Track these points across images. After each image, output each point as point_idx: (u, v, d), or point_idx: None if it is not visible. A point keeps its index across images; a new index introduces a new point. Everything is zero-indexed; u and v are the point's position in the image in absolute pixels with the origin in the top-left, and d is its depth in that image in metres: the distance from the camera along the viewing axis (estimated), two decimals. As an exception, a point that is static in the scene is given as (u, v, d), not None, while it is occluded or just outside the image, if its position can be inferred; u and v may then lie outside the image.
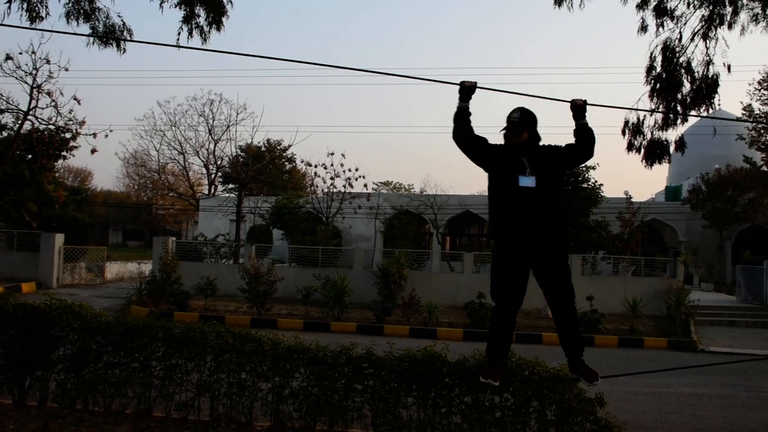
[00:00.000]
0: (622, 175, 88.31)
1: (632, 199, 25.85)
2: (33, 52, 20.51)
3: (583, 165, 22.43)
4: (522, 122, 4.15)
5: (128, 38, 7.51)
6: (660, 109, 8.25)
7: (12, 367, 6.14)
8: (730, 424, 7.58)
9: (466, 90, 4.26)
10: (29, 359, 6.10)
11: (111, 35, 7.49)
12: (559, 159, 4.28)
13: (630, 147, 8.54)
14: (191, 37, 7.68)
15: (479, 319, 14.65)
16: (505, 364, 4.73)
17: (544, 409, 5.77)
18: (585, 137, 4.32)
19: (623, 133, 8.55)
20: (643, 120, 8.46)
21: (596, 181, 22.80)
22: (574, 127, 4.36)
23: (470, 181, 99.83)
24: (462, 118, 4.26)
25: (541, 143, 4.30)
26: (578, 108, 4.34)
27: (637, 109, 7.99)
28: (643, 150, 8.46)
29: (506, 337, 4.35)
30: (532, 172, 4.08)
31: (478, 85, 4.31)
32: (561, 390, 5.69)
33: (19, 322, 6.07)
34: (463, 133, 4.26)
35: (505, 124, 4.23)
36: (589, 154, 4.38)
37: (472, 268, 20.54)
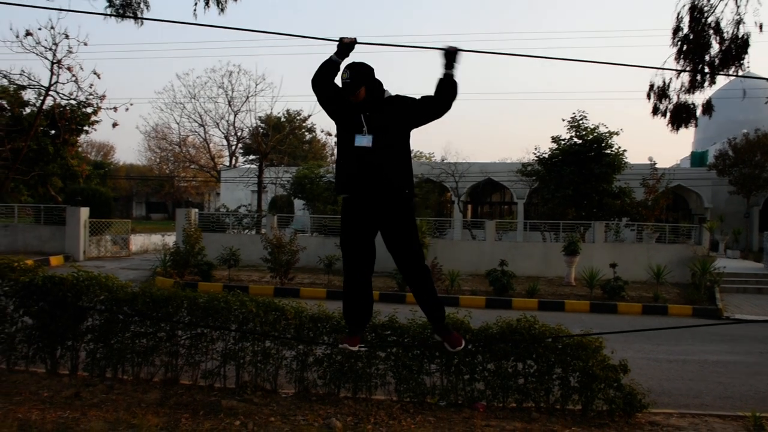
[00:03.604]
0: (646, 141, 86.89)
1: (656, 165, 25.40)
2: (52, 27, 20.61)
3: (605, 131, 22.15)
4: (354, 81, 3.93)
5: (145, 11, 7.49)
6: (687, 71, 8.06)
7: (43, 337, 6.29)
8: (756, 391, 7.50)
9: (346, 47, 4.06)
10: (59, 330, 6.24)
11: (128, 8, 7.47)
12: (406, 114, 4.09)
13: (655, 111, 8.38)
14: (208, 7, 7.65)
15: (501, 287, 14.65)
16: (364, 329, 4.47)
17: (568, 376, 5.79)
18: (447, 89, 4.08)
19: (648, 96, 8.38)
20: (669, 83, 8.29)
21: (619, 147, 22.38)
22: (441, 76, 4.10)
23: (492, 148, 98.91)
24: (330, 70, 4.08)
25: (389, 94, 4.10)
26: (451, 54, 4.07)
27: (663, 68, 7.80)
28: (668, 114, 8.30)
29: (361, 299, 4.20)
30: (370, 130, 3.94)
31: (358, 41, 4.08)
32: (584, 357, 5.69)
33: (48, 294, 6.20)
34: (325, 83, 4.10)
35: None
36: (447, 106, 4.12)
37: (494, 236, 20.45)
